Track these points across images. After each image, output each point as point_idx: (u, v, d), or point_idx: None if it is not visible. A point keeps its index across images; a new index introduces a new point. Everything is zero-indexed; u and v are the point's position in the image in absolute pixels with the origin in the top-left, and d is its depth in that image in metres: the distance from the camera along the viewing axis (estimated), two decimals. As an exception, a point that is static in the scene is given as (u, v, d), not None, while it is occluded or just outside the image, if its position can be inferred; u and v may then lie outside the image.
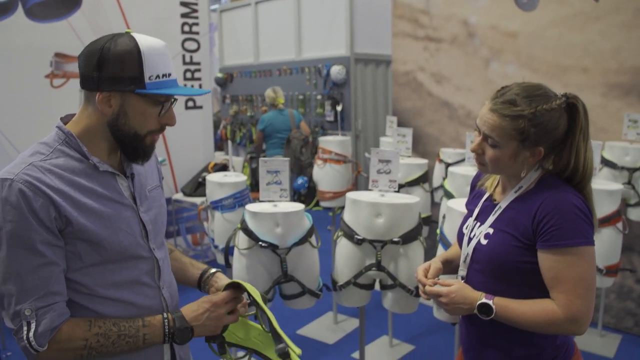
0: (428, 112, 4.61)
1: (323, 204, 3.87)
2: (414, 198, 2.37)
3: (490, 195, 1.54)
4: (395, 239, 2.23)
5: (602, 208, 2.70)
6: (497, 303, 1.37)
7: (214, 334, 1.32)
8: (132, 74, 1.16)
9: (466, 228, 1.56)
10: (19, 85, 3.90)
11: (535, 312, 1.34)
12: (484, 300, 1.37)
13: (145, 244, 1.30)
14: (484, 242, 1.44)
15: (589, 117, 1.39)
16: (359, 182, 5.43)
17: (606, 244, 2.73)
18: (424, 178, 3.53)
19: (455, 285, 1.43)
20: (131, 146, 1.25)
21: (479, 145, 1.41)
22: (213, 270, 1.48)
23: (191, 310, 1.28)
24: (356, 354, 3.37)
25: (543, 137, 1.34)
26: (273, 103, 5.89)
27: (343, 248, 2.33)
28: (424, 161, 3.61)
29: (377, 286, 2.41)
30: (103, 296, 1.23)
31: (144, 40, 1.19)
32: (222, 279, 1.45)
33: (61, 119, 1.27)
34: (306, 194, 6.98)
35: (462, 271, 1.52)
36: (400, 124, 4.55)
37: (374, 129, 7.02)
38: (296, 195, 7.09)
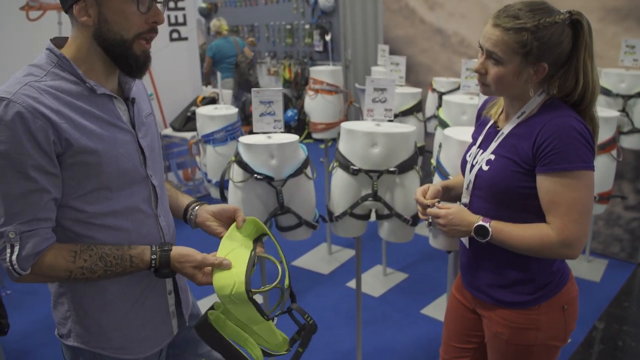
0: (420, 40, 4.49)
1: (315, 135, 3.83)
2: (410, 127, 2.33)
3: (495, 123, 1.52)
4: (392, 169, 2.21)
5: (599, 135, 2.69)
6: (494, 226, 1.39)
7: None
8: None
9: (469, 156, 1.55)
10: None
11: (530, 234, 1.36)
12: (480, 222, 1.40)
13: (143, 170, 1.27)
14: (485, 168, 1.44)
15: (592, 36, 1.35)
16: (350, 113, 5.37)
17: (600, 171, 2.73)
18: (418, 107, 3.48)
19: (453, 208, 1.46)
20: (121, 56, 1.18)
21: (482, 65, 1.39)
22: (198, 203, 1.47)
23: (178, 263, 1.24)
24: (351, 283, 3.45)
25: (546, 52, 1.32)
26: (218, 31, 6.59)
27: (339, 179, 2.31)
28: (418, 90, 3.55)
29: (372, 216, 2.42)
30: (101, 224, 1.21)
31: None
32: (209, 208, 1.44)
33: (51, 40, 1.20)
34: (296, 126, 6.92)
35: (465, 198, 1.53)
36: (392, 52, 4.43)
37: (364, 58, 6.87)
38: (286, 128, 7.04)
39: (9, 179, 1.08)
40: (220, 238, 1.36)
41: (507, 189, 1.39)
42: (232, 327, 1.30)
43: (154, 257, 1.22)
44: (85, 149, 1.13)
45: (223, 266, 1.23)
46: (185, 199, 1.49)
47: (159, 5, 1.20)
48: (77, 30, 1.17)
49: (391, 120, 2.41)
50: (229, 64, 6.77)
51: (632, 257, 3.69)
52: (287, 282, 1.34)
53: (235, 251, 1.30)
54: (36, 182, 1.09)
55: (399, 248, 3.84)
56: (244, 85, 6.88)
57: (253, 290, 1.22)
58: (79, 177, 1.15)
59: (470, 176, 1.50)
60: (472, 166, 1.50)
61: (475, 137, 1.59)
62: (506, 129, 1.44)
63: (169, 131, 4.78)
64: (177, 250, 1.25)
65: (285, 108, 7.06)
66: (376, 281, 3.52)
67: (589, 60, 1.35)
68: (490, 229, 1.38)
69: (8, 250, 1.10)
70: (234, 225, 1.37)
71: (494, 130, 1.50)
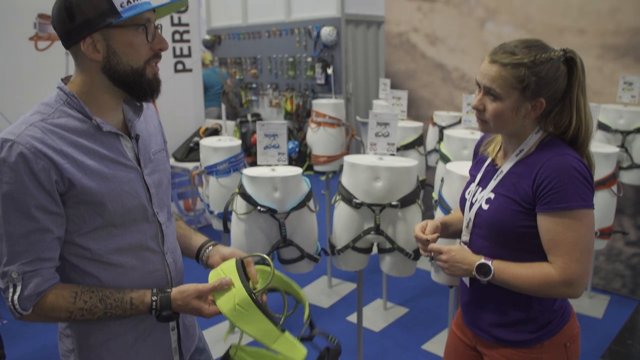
0: (421, 74, 4.55)
1: (317, 168, 3.85)
2: (413, 161, 2.35)
3: (493, 160, 1.53)
4: (394, 203, 2.22)
5: (598, 171, 2.71)
6: (496, 265, 1.38)
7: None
8: (103, 8, 1.12)
9: (468, 194, 1.55)
10: (2, 48, 3.78)
11: (532, 274, 1.35)
12: (483, 260, 1.39)
13: (149, 207, 1.27)
14: (485, 207, 1.45)
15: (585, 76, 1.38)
16: (352, 146, 5.41)
17: (601, 207, 2.74)
18: (419, 141, 3.51)
19: (456, 246, 1.45)
20: (134, 84, 1.20)
21: (479, 101, 1.40)
22: (212, 243, 1.46)
23: (179, 309, 1.22)
24: (351, 317, 3.41)
25: (544, 87, 1.34)
26: (203, 62, 6.78)
27: (341, 212, 2.32)
28: (419, 124, 3.58)
29: (374, 250, 2.41)
30: (107, 262, 1.21)
31: None
32: (222, 250, 1.42)
33: (62, 80, 1.22)
34: (297, 158, 6.95)
35: (465, 236, 1.52)
36: (393, 86, 4.49)
37: (365, 92, 6.96)
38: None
39: (12, 219, 1.09)
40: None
41: (508, 228, 1.39)
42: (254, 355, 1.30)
43: (154, 298, 1.20)
44: (88, 189, 1.14)
45: (222, 286, 1.21)
46: (199, 239, 1.48)
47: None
48: (82, 65, 1.19)
49: (393, 154, 2.43)
50: (214, 93, 7.20)
51: (634, 293, 3.67)
52: (306, 314, 1.35)
53: (223, 272, 1.29)
54: (38, 222, 1.10)
55: (400, 282, 3.82)
56: (231, 113, 7.64)
57: (256, 289, 1.23)
58: (83, 215, 1.16)
59: (470, 214, 1.50)
60: (472, 204, 1.50)
61: (473, 174, 1.60)
62: (505, 167, 1.44)
63: (171, 161, 4.81)
64: (176, 289, 1.23)
65: (287, 140, 7.10)
66: (377, 315, 3.49)
67: (582, 97, 1.37)
68: (492, 268, 1.38)
69: (11, 290, 1.11)
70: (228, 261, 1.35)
71: (493, 168, 1.50)
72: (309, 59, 6.97)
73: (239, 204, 2.21)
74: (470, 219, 1.50)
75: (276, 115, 7.61)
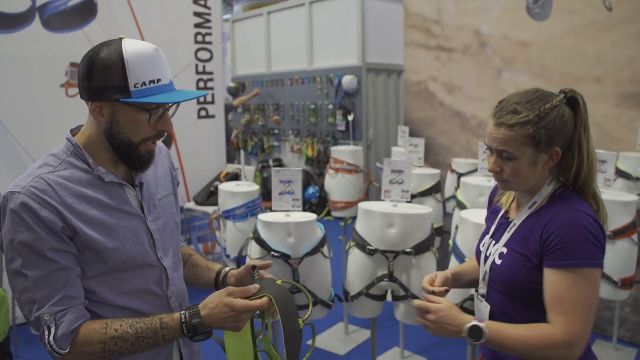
0: (440, 122, 4.60)
1: (334, 213, 3.87)
2: (427, 208, 2.36)
3: (506, 212, 1.50)
4: (408, 250, 2.22)
5: (617, 219, 2.67)
6: (490, 326, 1.30)
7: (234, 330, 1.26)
8: (117, 83, 1.16)
9: (483, 245, 1.52)
10: (35, 94, 3.95)
11: (531, 335, 1.28)
12: (474, 322, 1.30)
13: (152, 253, 1.31)
14: (498, 262, 1.41)
15: (588, 111, 1.35)
16: (371, 192, 5.42)
17: (621, 256, 2.70)
18: (436, 188, 3.52)
19: (445, 304, 1.35)
20: (126, 155, 1.24)
21: (495, 164, 1.38)
22: (228, 268, 1.49)
23: (211, 312, 1.21)
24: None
25: (555, 136, 1.32)
26: None
27: (355, 258, 2.32)
28: (436, 171, 3.60)
29: (388, 297, 2.40)
30: (112, 304, 1.24)
31: (131, 47, 1.17)
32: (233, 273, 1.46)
33: (71, 130, 1.29)
34: (317, 203, 6.99)
35: (482, 289, 1.48)
36: (412, 133, 4.54)
37: (386, 138, 7.02)
38: (307, 205, 7.10)
39: (34, 265, 1.14)
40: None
41: (521, 285, 1.35)
42: None
43: (183, 313, 1.21)
44: (91, 238, 1.18)
45: (251, 290, 1.24)
46: (212, 272, 1.51)
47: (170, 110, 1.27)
48: (92, 121, 1.24)
49: (409, 201, 2.44)
50: None
51: (661, 347, 3.54)
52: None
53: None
54: (57, 262, 1.15)
55: (417, 329, 3.74)
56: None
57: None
58: (88, 260, 1.20)
59: (485, 267, 1.47)
60: (486, 257, 1.47)
61: (488, 224, 1.57)
62: (518, 220, 1.41)
63: (191, 205, 4.88)
64: (205, 305, 1.23)
65: (307, 185, 7.16)
66: (394, 364, 3.42)
67: (585, 135, 1.35)
68: (485, 331, 1.29)
69: (46, 333, 1.14)
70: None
71: (506, 221, 1.47)
72: (330, 106, 7.09)
73: (253, 249, 2.23)
74: (486, 271, 1.46)
75: (297, 160, 7.70)
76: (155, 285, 1.31)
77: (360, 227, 2.34)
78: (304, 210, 2.94)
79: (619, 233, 2.67)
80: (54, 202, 1.15)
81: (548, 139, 1.32)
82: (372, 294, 2.31)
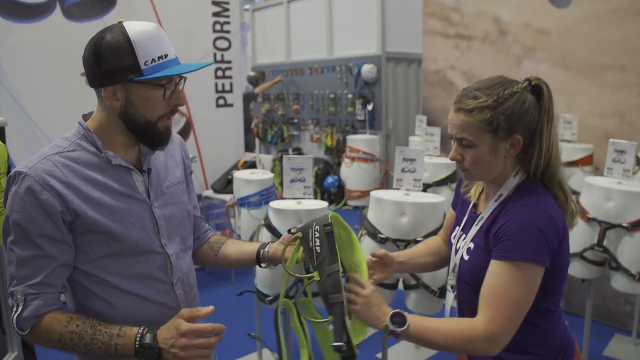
0: (459, 111, 4.54)
1: (350, 202, 3.87)
2: (439, 197, 2.34)
3: (475, 204, 1.47)
4: (419, 239, 2.21)
5: (636, 211, 2.61)
6: (412, 317, 1.28)
7: None
8: (128, 64, 1.18)
9: (454, 237, 1.49)
10: (56, 83, 4.01)
11: (452, 327, 1.27)
12: (398, 310, 1.29)
13: (156, 239, 1.32)
14: (466, 257, 1.40)
15: (553, 99, 1.33)
16: (388, 181, 5.40)
17: (637, 249, 2.64)
18: (452, 178, 3.49)
19: (372, 288, 1.34)
20: (146, 134, 1.26)
21: (456, 152, 1.35)
22: (264, 244, 1.51)
23: (164, 331, 1.18)
24: (380, 355, 3.35)
25: (515, 123, 1.29)
26: None
27: (366, 247, 2.32)
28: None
29: (400, 286, 2.39)
30: (116, 287, 1.26)
31: (134, 28, 1.19)
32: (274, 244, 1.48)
33: (83, 115, 1.31)
34: (336, 192, 6.99)
35: (452, 280, 1.47)
36: (430, 123, 4.50)
37: (405, 128, 6.96)
38: (326, 194, 7.10)
39: (21, 245, 1.18)
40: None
41: None
42: (296, 323, 1.35)
43: (143, 328, 1.19)
44: (92, 220, 1.21)
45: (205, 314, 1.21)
46: (254, 245, 1.53)
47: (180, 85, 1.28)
48: (102, 105, 1.26)
49: (423, 190, 2.42)
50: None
51: (683, 341, 3.46)
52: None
53: None
54: (41, 249, 1.18)
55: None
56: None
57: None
58: (91, 243, 1.23)
59: (455, 259, 1.45)
60: (457, 250, 1.45)
61: (459, 217, 1.52)
62: (485, 213, 1.38)
63: (209, 193, 4.92)
64: (164, 325, 1.20)
65: (326, 174, 7.16)
66: (407, 354, 3.42)
67: (547, 124, 1.31)
68: (407, 318, 1.27)
69: (14, 309, 1.19)
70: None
71: (474, 214, 1.44)
72: (350, 96, 7.06)
73: (264, 236, 2.25)
74: (456, 264, 1.45)
75: (317, 149, 7.70)
76: (160, 271, 1.33)
77: (372, 215, 2.33)
78: (323, 199, 2.95)
79: (638, 225, 2.61)
80: (58, 185, 1.18)
81: (508, 126, 1.28)
82: (384, 283, 2.31)
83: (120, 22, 1.21)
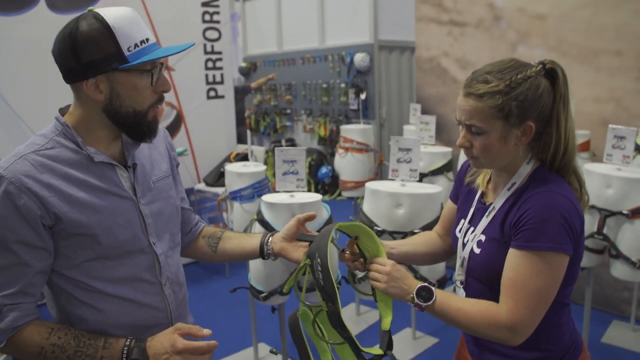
0: (452, 99, 4.46)
1: (345, 193, 3.82)
2: (436, 188, 2.29)
3: (482, 195, 1.40)
4: (416, 231, 2.16)
5: (636, 197, 2.58)
6: (440, 293, 1.25)
7: None
8: (110, 52, 1.10)
9: (459, 231, 1.42)
10: (41, 76, 3.91)
11: (477, 310, 1.23)
12: (425, 284, 1.25)
13: (144, 238, 1.25)
14: (477, 250, 1.33)
15: (568, 84, 1.26)
16: (383, 171, 5.35)
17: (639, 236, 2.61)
18: (448, 167, 3.44)
19: (392, 262, 1.30)
20: (134, 127, 1.19)
21: (464, 138, 1.29)
22: (268, 235, 1.44)
23: (157, 345, 1.13)
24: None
25: (528, 110, 1.22)
26: None
27: (362, 239, 2.27)
28: (448, 149, 3.52)
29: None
30: (102, 291, 1.19)
31: (110, 13, 1.12)
32: (278, 236, 1.41)
33: (60, 109, 1.23)
34: (330, 183, 6.93)
35: (460, 276, 1.41)
36: (425, 111, 4.45)
37: (399, 117, 6.91)
38: (320, 185, 7.05)
39: None
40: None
41: (501, 275, 1.26)
42: (311, 331, 1.28)
43: (130, 339, 1.15)
44: (76, 222, 1.13)
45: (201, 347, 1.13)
46: (256, 239, 1.45)
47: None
48: (82, 101, 1.18)
49: (419, 180, 2.37)
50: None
51: (681, 327, 3.45)
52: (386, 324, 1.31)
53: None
54: (17, 256, 1.10)
55: (430, 311, 3.70)
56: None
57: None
58: (74, 247, 1.15)
59: (463, 254, 1.38)
60: (464, 244, 1.38)
61: (464, 209, 1.45)
62: (497, 204, 1.31)
63: (201, 186, 4.86)
64: (155, 338, 1.15)
65: (320, 165, 7.10)
66: (405, 345, 3.39)
67: (563, 110, 1.25)
68: (434, 292, 1.24)
69: None
70: None
71: (483, 205, 1.37)
72: (343, 85, 6.99)
73: (257, 231, 2.19)
74: (464, 258, 1.38)
75: (310, 140, 7.64)
76: (147, 272, 1.26)
77: (367, 207, 2.28)
78: (317, 190, 2.90)
79: (638, 212, 2.58)
80: (36, 186, 1.10)
81: (520, 112, 1.21)
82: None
83: (90, 10, 1.13)
